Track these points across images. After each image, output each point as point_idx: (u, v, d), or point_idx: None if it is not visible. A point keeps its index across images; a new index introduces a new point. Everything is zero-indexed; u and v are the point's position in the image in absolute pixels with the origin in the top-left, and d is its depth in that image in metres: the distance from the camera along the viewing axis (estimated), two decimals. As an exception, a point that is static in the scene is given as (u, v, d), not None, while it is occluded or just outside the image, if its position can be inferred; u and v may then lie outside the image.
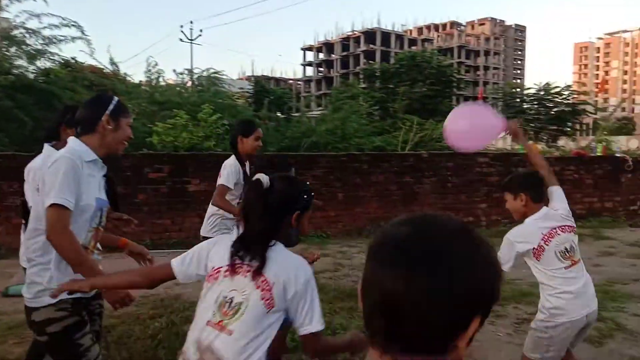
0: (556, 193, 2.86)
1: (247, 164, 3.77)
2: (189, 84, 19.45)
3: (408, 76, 23.61)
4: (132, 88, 15.50)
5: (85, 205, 2.11)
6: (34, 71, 10.55)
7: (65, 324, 2.06)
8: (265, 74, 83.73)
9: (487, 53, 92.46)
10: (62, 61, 11.17)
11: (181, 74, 20.34)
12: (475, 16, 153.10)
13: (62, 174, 2.02)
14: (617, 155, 11.07)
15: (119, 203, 2.69)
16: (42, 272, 2.08)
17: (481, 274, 0.80)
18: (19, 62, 10.39)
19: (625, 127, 50.71)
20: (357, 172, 8.60)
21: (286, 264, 1.69)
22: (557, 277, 2.64)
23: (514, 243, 2.66)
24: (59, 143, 2.61)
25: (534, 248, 2.64)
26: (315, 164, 8.33)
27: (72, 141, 2.20)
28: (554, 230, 2.66)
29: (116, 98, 2.37)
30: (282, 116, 21.85)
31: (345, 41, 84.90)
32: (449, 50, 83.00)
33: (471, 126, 2.86)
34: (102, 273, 2.11)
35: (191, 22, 39.49)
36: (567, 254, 2.66)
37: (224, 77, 22.04)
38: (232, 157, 3.74)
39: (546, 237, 2.63)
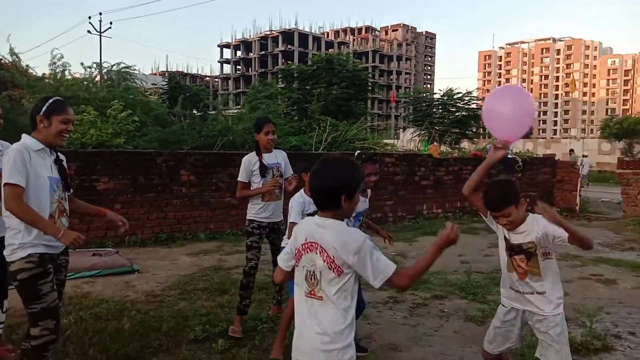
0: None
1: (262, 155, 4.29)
2: (98, 78, 18.60)
3: (324, 78, 24.08)
4: (35, 81, 14.57)
5: (39, 182, 2.75)
6: None
7: (32, 273, 2.69)
8: (180, 69, 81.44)
9: (399, 58, 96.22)
10: None
11: (89, 67, 19.37)
12: (388, 22, 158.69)
13: (12, 160, 2.69)
14: (510, 156, 12.16)
15: (70, 183, 3.04)
16: (15, 235, 2.72)
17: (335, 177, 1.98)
18: None
19: (522, 131, 55.10)
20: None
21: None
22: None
23: None
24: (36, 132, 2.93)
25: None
26: (231, 163, 8.42)
27: (24, 137, 2.86)
28: None
29: (51, 100, 2.89)
30: (198, 114, 21.50)
31: (263, 40, 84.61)
32: (363, 54, 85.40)
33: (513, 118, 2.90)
34: (61, 231, 2.70)
35: (100, 14, 37.42)
36: None
37: (135, 72, 21.25)
38: (250, 153, 4.36)
39: None
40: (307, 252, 1.99)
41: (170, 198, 7.94)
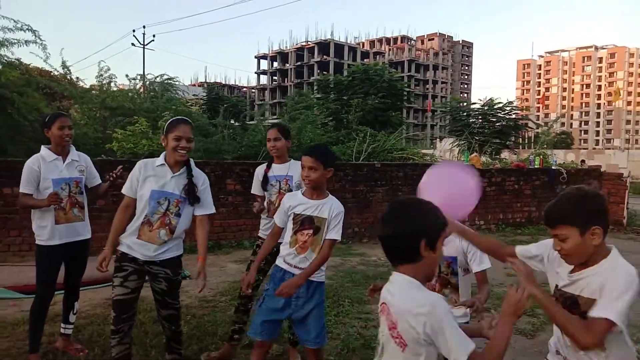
0: None
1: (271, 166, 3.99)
2: (141, 89, 19.22)
3: (361, 88, 24.23)
4: (83, 93, 15.20)
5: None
6: None
7: None
8: (218, 80, 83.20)
9: (435, 67, 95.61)
10: (6, 62, 10.87)
11: (133, 79, 20.06)
12: (424, 31, 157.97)
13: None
14: (553, 167, 11.94)
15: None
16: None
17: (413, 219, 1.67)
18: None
19: (564, 141, 53.80)
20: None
21: None
22: None
23: None
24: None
25: None
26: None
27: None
28: None
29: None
30: (237, 124, 21.94)
31: (299, 51, 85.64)
32: (399, 63, 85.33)
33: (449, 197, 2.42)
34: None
35: (144, 27, 38.79)
36: None
37: (177, 83, 21.92)
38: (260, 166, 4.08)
39: None
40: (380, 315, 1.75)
41: (217, 206, 8.14)
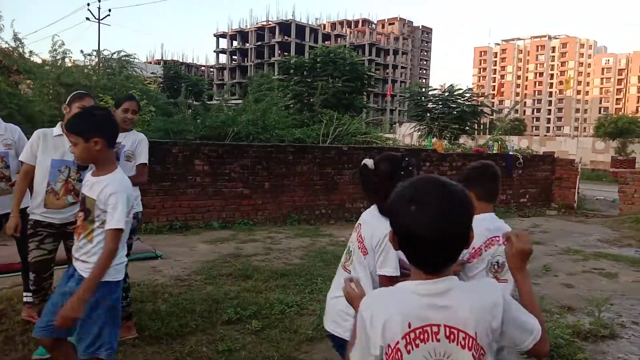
0: None
1: None
2: (97, 66, 18.60)
3: (324, 71, 24.23)
4: (36, 68, 14.58)
5: (41, 163, 3.33)
6: None
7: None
8: (175, 58, 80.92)
9: (395, 52, 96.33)
10: None
11: (89, 55, 19.38)
12: (385, 15, 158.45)
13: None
14: (511, 153, 12.43)
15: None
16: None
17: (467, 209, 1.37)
18: None
19: (517, 127, 55.62)
20: (283, 163, 9.00)
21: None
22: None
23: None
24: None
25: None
26: (244, 154, 8.61)
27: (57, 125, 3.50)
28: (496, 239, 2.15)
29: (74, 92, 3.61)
30: (198, 104, 21.58)
31: (260, 30, 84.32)
32: (360, 47, 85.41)
33: None
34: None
35: (99, 1, 37.16)
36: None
37: (134, 60, 21.30)
38: None
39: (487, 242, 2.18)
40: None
41: (185, 187, 8.13)
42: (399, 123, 42.90)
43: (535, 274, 6.14)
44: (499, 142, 13.48)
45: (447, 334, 1.28)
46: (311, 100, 21.59)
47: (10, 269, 4.93)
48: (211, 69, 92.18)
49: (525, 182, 12.08)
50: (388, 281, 2.05)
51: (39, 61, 15.59)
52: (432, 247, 1.28)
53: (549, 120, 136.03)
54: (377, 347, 1.29)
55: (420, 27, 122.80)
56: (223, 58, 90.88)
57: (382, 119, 34.73)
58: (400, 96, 55.40)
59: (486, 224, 2.18)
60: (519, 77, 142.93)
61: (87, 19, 36.06)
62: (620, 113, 60.55)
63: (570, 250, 7.58)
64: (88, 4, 36.18)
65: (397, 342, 1.27)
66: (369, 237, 2.18)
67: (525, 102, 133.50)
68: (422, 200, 1.28)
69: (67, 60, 15.79)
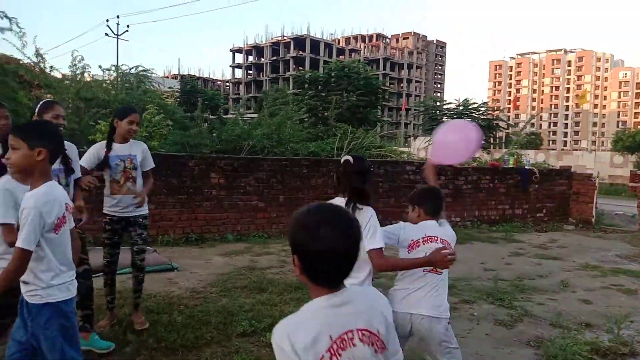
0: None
1: None
2: (116, 81, 18.91)
3: (339, 85, 24.39)
4: (57, 82, 14.90)
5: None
6: None
7: None
8: (192, 73, 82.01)
9: (410, 66, 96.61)
10: None
11: (107, 70, 19.72)
12: (399, 30, 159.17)
13: None
14: (527, 167, 12.32)
15: (72, 167, 3.60)
16: None
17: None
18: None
19: (533, 141, 55.21)
20: (298, 176, 9.04)
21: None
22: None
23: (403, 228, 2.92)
24: None
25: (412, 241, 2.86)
26: (259, 167, 8.68)
27: None
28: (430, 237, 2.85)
29: (41, 101, 3.66)
30: (214, 117, 21.80)
31: (275, 45, 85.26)
32: (374, 61, 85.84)
33: (459, 140, 3.25)
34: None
35: (117, 17, 37.96)
36: None
37: (152, 75, 21.62)
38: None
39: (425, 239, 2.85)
40: None
41: (201, 200, 8.20)
42: (413, 137, 42.84)
43: (553, 290, 6.07)
44: (515, 156, 13.38)
45: (360, 336, 1.41)
46: (325, 114, 21.71)
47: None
48: (227, 84, 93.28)
49: (542, 196, 11.95)
50: (378, 254, 2.56)
51: (59, 76, 15.93)
52: (338, 263, 1.41)
53: (565, 134, 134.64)
54: None
55: (435, 41, 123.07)
56: (239, 73, 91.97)
57: (396, 133, 34.74)
58: (414, 110, 55.35)
59: (426, 227, 2.90)
60: (534, 91, 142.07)
61: (106, 34, 36.81)
62: (639, 127, 59.73)
63: (589, 266, 7.47)
64: (107, 20, 37.01)
65: (322, 357, 1.35)
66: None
67: (541, 116, 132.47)
68: (330, 224, 1.41)
69: (86, 75, 16.13)
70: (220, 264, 6.57)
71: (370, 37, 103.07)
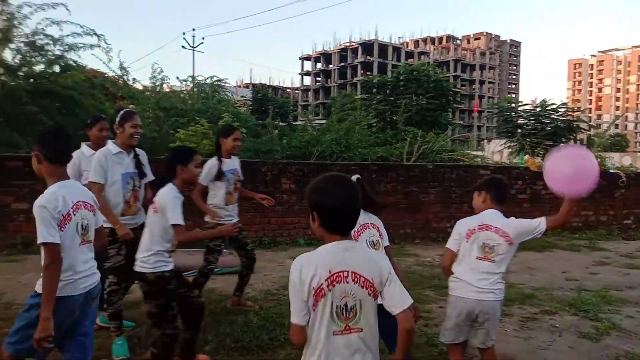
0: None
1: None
2: (189, 90, 19.74)
3: (407, 89, 24.08)
4: (139, 94, 15.80)
5: (112, 180, 3.76)
6: (46, 75, 10.68)
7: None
8: (263, 82, 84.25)
9: (482, 67, 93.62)
10: (74, 65, 11.37)
11: (184, 80, 20.64)
12: (470, 30, 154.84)
13: (94, 163, 3.76)
14: (612, 171, 11.56)
15: (144, 172, 4.03)
16: None
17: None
18: (39, 67, 10.72)
19: (618, 143, 51.65)
20: (366, 181, 9.01)
21: None
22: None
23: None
24: (92, 142, 4.26)
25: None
26: (328, 172, 8.76)
27: (108, 143, 3.90)
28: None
29: (122, 111, 3.96)
30: (283, 124, 22.25)
31: (343, 52, 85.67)
32: (444, 63, 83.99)
33: (575, 171, 2.90)
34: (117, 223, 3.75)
35: (193, 30, 39.89)
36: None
37: (226, 84, 22.42)
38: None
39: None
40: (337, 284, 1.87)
41: (273, 205, 8.37)
42: (487, 140, 41.43)
43: (644, 302, 5.65)
44: (599, 160, 12.59)
45: (353, 278, 1.85)
46: (394, 118, 21.50)
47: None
48: (296, 91, 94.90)
49: (630, 202, 11.16)
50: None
51: (141, 87, 16.92)
52: (344, 215, 1.91)
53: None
54: (306, 293, 1.82)
55: (508, 41, 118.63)
56: (307, 80, 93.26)
57: (469, 136, 33.80)
58: (488, 112, 53.58)
59: (483, 217, 3.16)
60: (618, 90, 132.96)
61: (183, 47, 38.75)
62: None
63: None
64: (184, 33, 38.90)
65: (322, 284, 1.82)
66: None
67: (626, 117, 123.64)
68: (337, 186, 1.91)
69: (165, 86, 16.99)
70: (292, 268, 6.68)
71: (440, 39, 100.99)
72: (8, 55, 10.16)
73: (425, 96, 23.19)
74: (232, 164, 4.72)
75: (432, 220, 9.47)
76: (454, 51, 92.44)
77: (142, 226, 3.95)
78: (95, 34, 11.20)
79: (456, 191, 9.71)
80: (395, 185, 9.29)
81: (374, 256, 2.02)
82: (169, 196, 3.07)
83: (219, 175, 4.55)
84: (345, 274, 1.84)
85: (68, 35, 10.59)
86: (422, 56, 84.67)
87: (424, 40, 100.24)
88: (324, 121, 18.25)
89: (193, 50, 38.96)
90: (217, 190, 4.59)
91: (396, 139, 16.62)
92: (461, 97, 44.18)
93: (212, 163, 4.62)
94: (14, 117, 9.17)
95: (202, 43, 39.38)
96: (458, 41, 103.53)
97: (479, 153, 18.15)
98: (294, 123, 24.11)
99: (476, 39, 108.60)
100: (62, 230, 2.46)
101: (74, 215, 2.53)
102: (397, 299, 1.89)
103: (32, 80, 10.14)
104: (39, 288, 2.43)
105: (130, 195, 3.87)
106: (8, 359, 2.50)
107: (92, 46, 11.41)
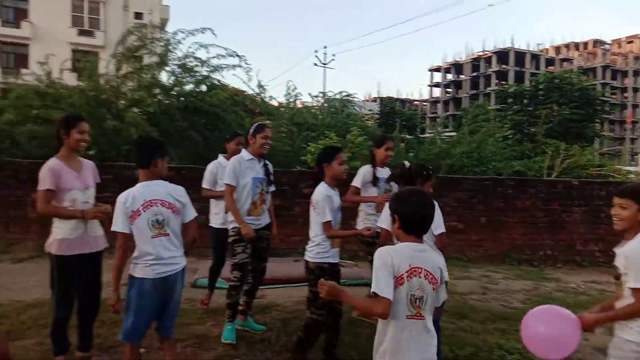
0: None
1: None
2: (320, 105, 20.38)
3: (548, 98, 22.39)
4: (275, 110, 16.70)
5: (244, 182, 4.18)
6: (195, 94, 11.72)
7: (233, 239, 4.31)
8: (391, 95, 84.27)
9: (636, 73, 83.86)
10: (219, 84, 12.35)
11: (315, 96, 21.39)
12: (621, 34, 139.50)
13: (229, 168, 4.23)
14: None
15: (272, 179, 4.46)
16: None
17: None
18: (189, 87, 11.86)
19: None
20: (501, 197, 8.51)
21: None
22: None
23: None
24: (227, 155, 4.86)
25: None
26: (458, 187, 8.42)
27: (242, 151, 4.38)
28: None
29: (255, 124, 4.45)
30: (410, 137, 21.96)
31: (475, 61, 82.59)
32: (591, 70, 76.83)
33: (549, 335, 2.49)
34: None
35: (325, 47, 41.33)
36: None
37: (355, 99, 22.81)
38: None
39: None
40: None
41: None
42: (642, 154, 36.81)
43: None
44: None
45: (425, 274, 2.22)
46: (533, 130, 20.07)
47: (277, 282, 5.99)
48: (424, 103, 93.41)
49: None
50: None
51: (276, 104, 17.90)
52: (422, 222, 2.29)
53: None
54: (392, 275, 2.16)
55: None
56: (436, 92, 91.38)
57: (620, 149, 30.37)
58: (643, 123, 47.76)
59: None
60: None
61: (315, 64, 40.33)
62: None
63: None
64: (315, 51, 40.53)
65: (402, 273, 2.19)
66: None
67: None
68: (418, 198, 2.31)
69: (298, 102, 17.80)
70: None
71: (585, 44, 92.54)
72: (164, 76, 11.42)
73: (568, 106, 21.35)
74: (385, 172, 4.90)
75: (577, 242, 8.61)
76: (602, 56, 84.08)
77: (266, 227, 4.41)
78: (237, 55, 12.12)
79: (606, 211, 8.72)
80: (534, 202, 8.63)
81: (438, 260, 2.35)
82: (320, 195, 3.51)
83: (375, 181, 4.84)
84: (420, 270, 2.21)
85: (214, 57, 11.59)
86: (565, 63, 78.36)
87: (567, 46, 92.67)
88: (453, 133, 17.66)
89: (324, 67, 40.39)
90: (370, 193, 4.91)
91: (535, 152, 15.50)
92: (611, 106, 39.65)
93: (366, 169, 4.96)
94: (168, 132, 10.23)
95: (332, 60, 40.69)
96: (607, 45, 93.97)
97: (633, 169, 16.19)
98: (421, 136, 23.67)
99: (629, 42, 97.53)
100: (133, 223, 2.95)
101: (144, 211, 2.97)
102: (442, 297, 2.38)
103: (182, 98, 11.24)
104: (130, 272, 3.00)
105: (258, 197, 4.26)
106: (128, 349, 3.05)
107: (234, 66, 12.37)
